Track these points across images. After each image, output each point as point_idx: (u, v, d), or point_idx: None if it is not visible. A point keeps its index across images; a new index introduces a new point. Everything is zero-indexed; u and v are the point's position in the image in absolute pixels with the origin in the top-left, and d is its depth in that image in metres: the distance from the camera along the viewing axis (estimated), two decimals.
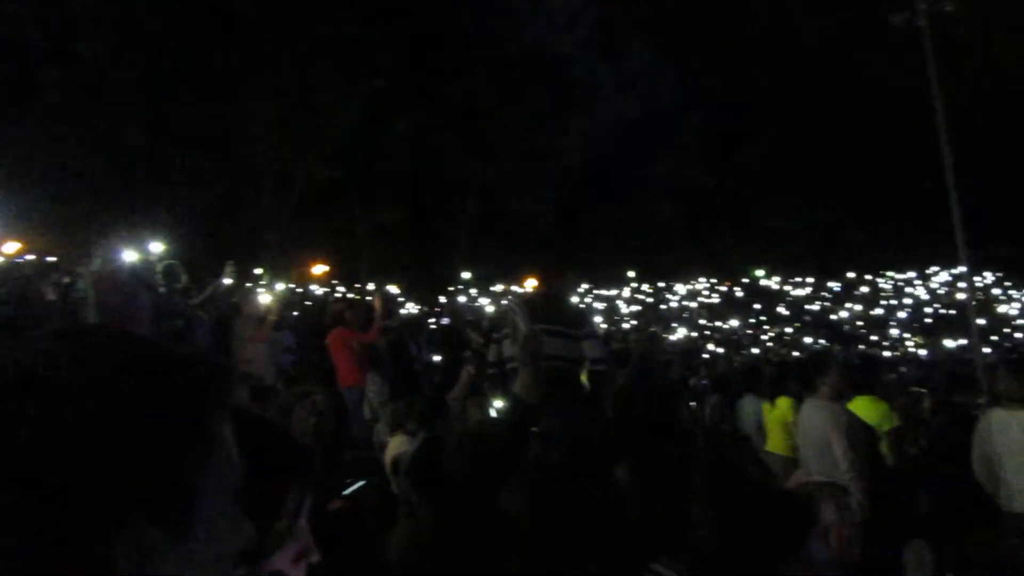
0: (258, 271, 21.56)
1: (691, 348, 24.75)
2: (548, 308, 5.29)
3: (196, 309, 9.06)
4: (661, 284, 45.20)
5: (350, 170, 29.62)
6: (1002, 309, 44.30)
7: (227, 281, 9.28)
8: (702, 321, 40.03)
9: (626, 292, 43.62)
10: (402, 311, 18.24)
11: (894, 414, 5.82)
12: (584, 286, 40.18)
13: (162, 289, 8.40)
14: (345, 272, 30.38)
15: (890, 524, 4.22)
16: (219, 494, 0.74)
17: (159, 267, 8.87)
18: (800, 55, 42.38)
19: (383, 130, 30.17)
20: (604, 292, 41.84)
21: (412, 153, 31.77)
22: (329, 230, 30.97)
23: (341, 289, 27.23)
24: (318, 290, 24.95)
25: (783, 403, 6.93)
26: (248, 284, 13.34)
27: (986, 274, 46.02)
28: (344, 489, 3.94)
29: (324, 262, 28.92)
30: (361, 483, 4.24)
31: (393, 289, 23.15)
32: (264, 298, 8.54)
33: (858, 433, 4.92)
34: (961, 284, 18.67)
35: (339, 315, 9.07)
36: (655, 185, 41.99)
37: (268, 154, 26.87)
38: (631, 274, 43.89)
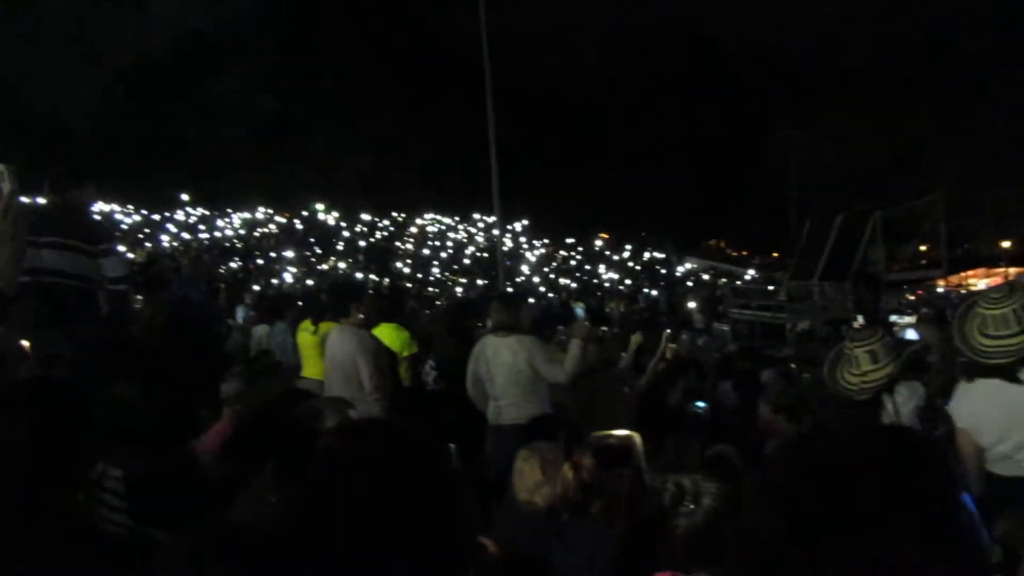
0: None
1: (244, 278, 24.16)
2: (61, 220, 4.73)
3: None
4: (216, 211, 43.31)
5: None
6: (528, 255, 51.46)
7: None
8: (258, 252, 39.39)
9: (178, 215, 41.00)
10: None
11: (413, 342, 6.38)
12: (130, 206, 36.96)
13: None
14: None
15: None
16: None
17: None
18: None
19: None
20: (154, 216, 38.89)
21: None
22: None
23: None
24: None
25: (323, 328, 7.09)
26: None
27: (516, 224, 52.55)
28: None
29: None
30: None
31: None
32: None
33: (383, 358, 5.27)
34: (495, 232, 21.15)
35: None
36: (215, 104, 39.85)
37: None
38: (184, 196, 41.28)
